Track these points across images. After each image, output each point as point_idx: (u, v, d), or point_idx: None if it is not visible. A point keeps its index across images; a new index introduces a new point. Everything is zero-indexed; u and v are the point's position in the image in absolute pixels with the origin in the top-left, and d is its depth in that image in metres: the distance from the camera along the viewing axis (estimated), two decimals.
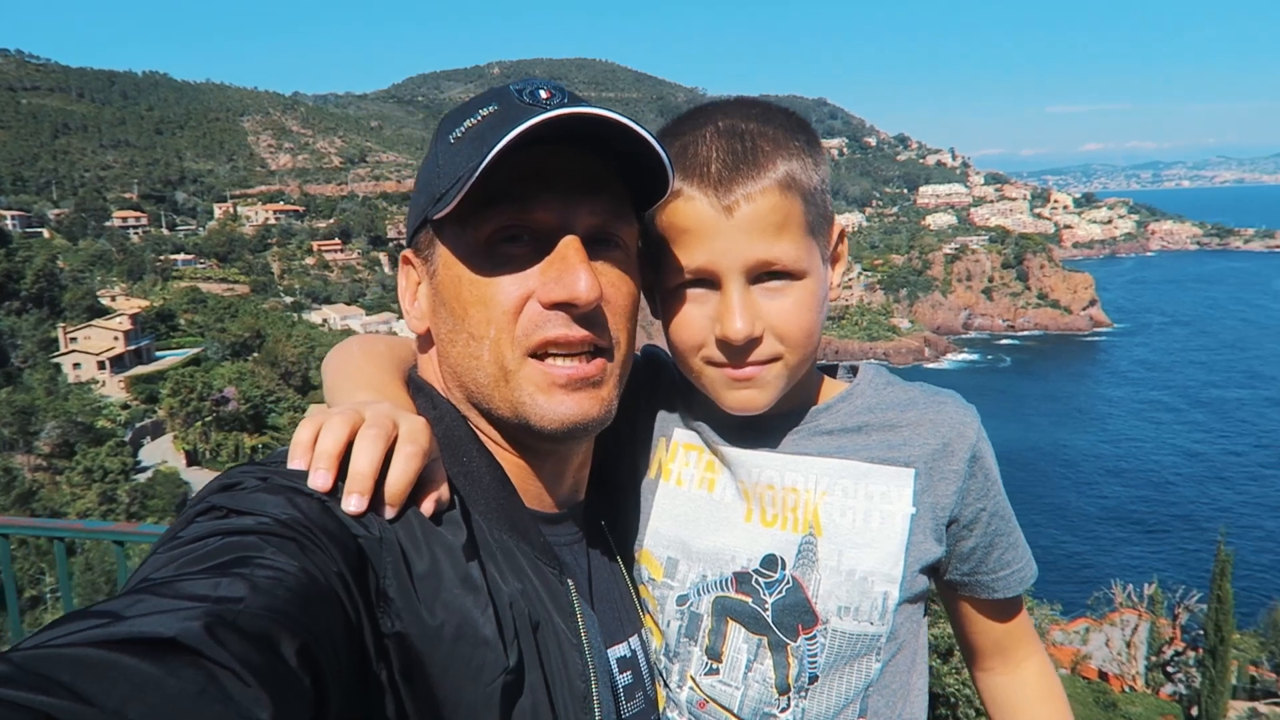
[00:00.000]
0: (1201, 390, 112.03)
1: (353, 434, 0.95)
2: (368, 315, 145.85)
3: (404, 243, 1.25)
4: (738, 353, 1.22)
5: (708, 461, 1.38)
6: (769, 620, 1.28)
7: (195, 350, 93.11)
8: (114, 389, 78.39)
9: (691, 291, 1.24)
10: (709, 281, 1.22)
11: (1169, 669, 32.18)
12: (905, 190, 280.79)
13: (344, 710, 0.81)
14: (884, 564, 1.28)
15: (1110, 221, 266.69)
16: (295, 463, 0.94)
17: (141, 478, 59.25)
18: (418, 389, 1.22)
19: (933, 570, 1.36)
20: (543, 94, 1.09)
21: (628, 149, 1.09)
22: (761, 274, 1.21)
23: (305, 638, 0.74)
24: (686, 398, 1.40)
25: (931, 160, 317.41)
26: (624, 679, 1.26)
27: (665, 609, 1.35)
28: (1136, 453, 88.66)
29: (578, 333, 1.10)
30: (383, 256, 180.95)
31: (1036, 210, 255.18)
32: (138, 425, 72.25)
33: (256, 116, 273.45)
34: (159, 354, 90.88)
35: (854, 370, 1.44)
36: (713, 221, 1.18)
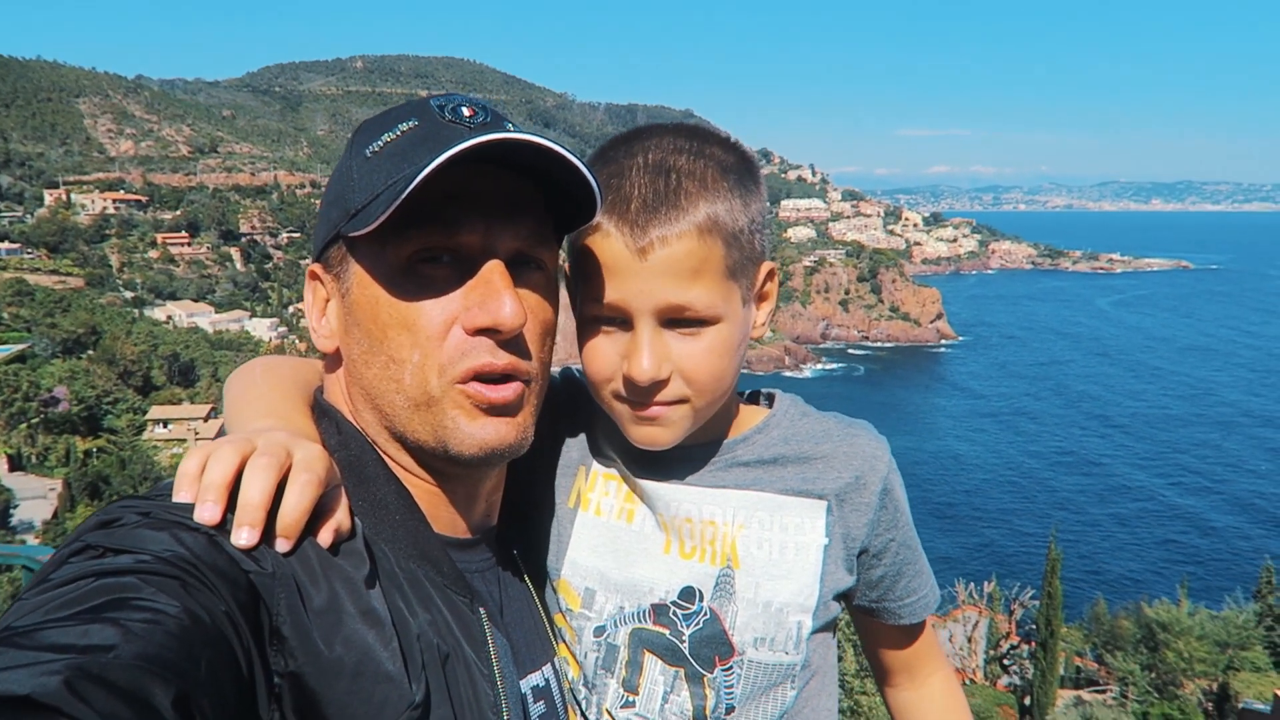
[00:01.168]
0: (1029, 398, 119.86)
1: (243, 464, 0.91)
2: (217, 313, 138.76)
3: (312, 256, 1.21)
4: (643, 392, 1.22)
5: (627, 492, 1.38)
6: (686, 652, 1.28)
7: (20, 346, 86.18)
8: None
9: (604, 326, 1.24)
10: (621, 319, 1.21)
11: (1005, 661, 34.20)
12: (768, 204, 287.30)
13: None
14: (799, 595, 1.29)
15: (956, 240, 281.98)
16: (181, 495, 0.89)
17: None
18: (323, 413, 1.18)
19: (844, 597, 1.39)
20: (465, 111, 1.07)
21: (553, 172, 1.08)
22: (673, 318, 1.19)
23: (183, 685, 0.69)
24: (605, 426, 1.38)
25: (793, 175, 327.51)
26: (537, 708, 1.24)
27: (582, 640, 1.34)
28: (977, 455, 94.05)
29: (502, 359, 1.09)
30: (234, 252, 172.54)
31: (889, 227, 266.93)
32: None
33: (95, 99, 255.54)
34: None
35: (771, 398, 1.45)
36: (626, 261, 1.17)
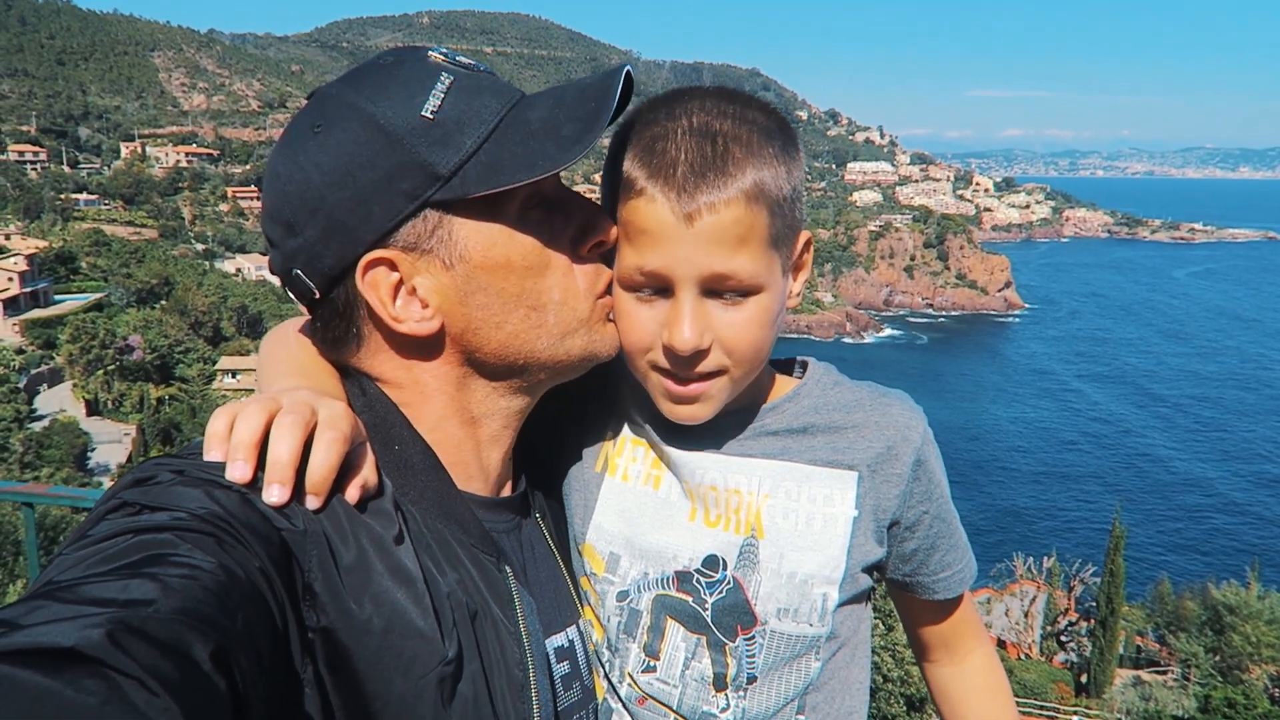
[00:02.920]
0: (1100, 371, 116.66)
1: (269, 422, 0.93)
2: None
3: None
4: (683, 363, 1.20)
5: (654, 459, 1.38)
6: (708, 620, 1.29)
7: (98, 295, 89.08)
8: (7, 332, 74.45)
9: (642, 293, 1.22)
10: (661, 286, 1.20)
11: (1062, 638, 33.56)
12: (834, 166, 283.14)
13: (270, 709, 0.79)
14: (825, 567, 1.28)
15: (1028, 206, 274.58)
16: (211, 455, 0.92)
17: (37, 426, 56.50)
18: (348, 374, 1.19)
19: (876, 569, 1.38)
20: (461, 59, 1.14)
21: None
22: (716, 287, 1.18)
23: (220, 639, 0.71)
24: (635, 392, 1.37)
25: (860, 137, 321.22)
26: (561, 669, 1.26)
27: (606, 604, 1.35)
28: (1041, 431, 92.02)
29: (607, 275, 1.23)
30: None
31: (959, 192, 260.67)
32: (33, 372, 68.80)
33: (168, 53, 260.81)
34: (58, 298, 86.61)
35: (804, 366, 1.43)
36: (672, 227, 1.15)
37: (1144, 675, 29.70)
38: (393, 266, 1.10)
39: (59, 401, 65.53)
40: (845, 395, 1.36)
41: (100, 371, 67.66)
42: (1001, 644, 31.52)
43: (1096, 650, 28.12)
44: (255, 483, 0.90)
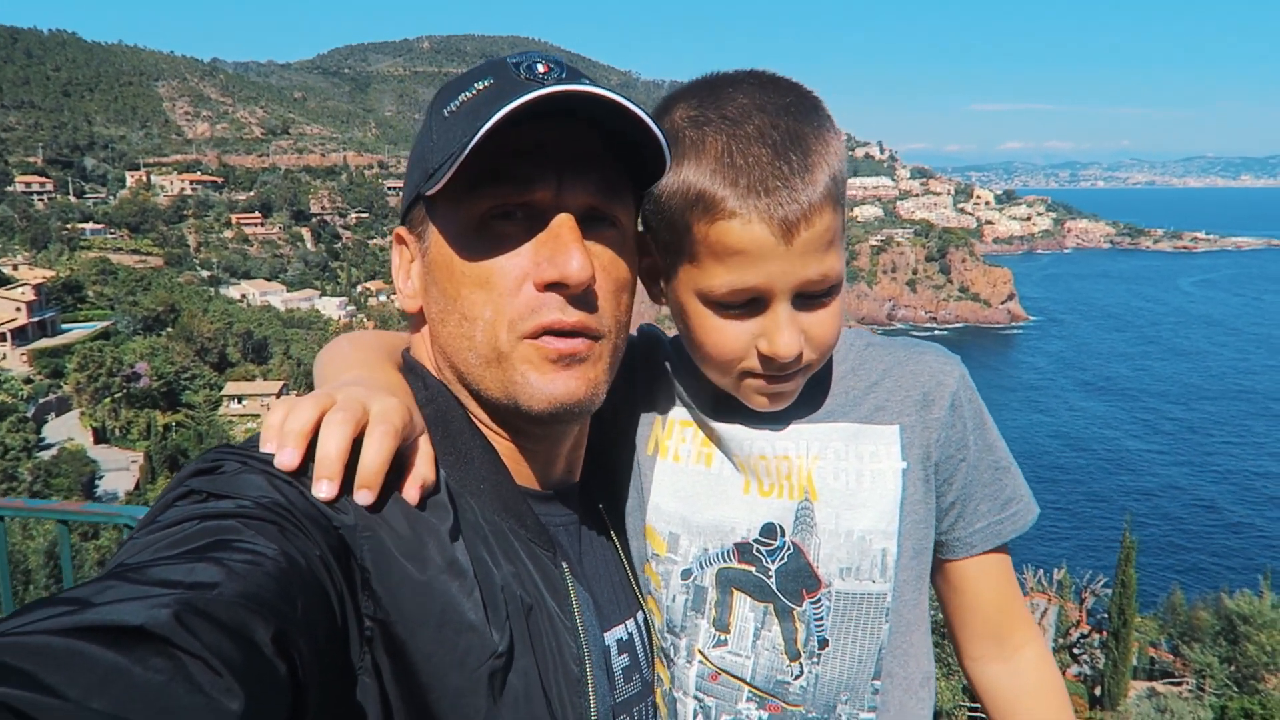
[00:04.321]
0: (1106, 382, 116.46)
1: (322, 416, 0.94)
2: (289, 291, 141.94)
3: (400, 218, 1.24)
4: (784, 367, 1.21)
5: (703, 438, 1.38)
6: (773, 587, 1.29)
7: (104, 324, 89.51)
8: (15, 362, 74.76)
9: (731, 309, 1.21)
10: (755, 299, 1.19)
11: (1075, 650, 33.37)
12: None
13: (326, 696, 0.80)
14: (880, 521, 1.28)
15: (1029, 218, 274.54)
16: (266, 446, 0.93)
17: (45, 455, 56.63)
18: (409, 369, 1.21)
19: (928, 527, 1.35)
20: (540, 68, 1.07)
21: (625, 130, 1.07)
22: (811, 292, 1.19)
23: (281, 624, 0.72)
24: (681, 375, 1.39)
25: (860, 153, 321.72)
26: (621, 661, 1.26)
27: (670, 584, 1.35)
28: (1047, 442, 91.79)
29: (572, 315, 1.09)
30: (305, 232, 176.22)
31: (960, 205, 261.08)
32: (41, 401, 69.08)
33: (173, 82, 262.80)
34: (65, 327, 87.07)
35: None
36: (771, 247, 1.13)
37: (1158, 687, 29.50)
38: (404, 242, 1.22)
39: (67, 430, 65.73)
40: (879, 353, 1.37)
41: (107, 399, 67.89)
42: None
43: (1110, 662, 27.97)
44: (306, 472, 0.91)
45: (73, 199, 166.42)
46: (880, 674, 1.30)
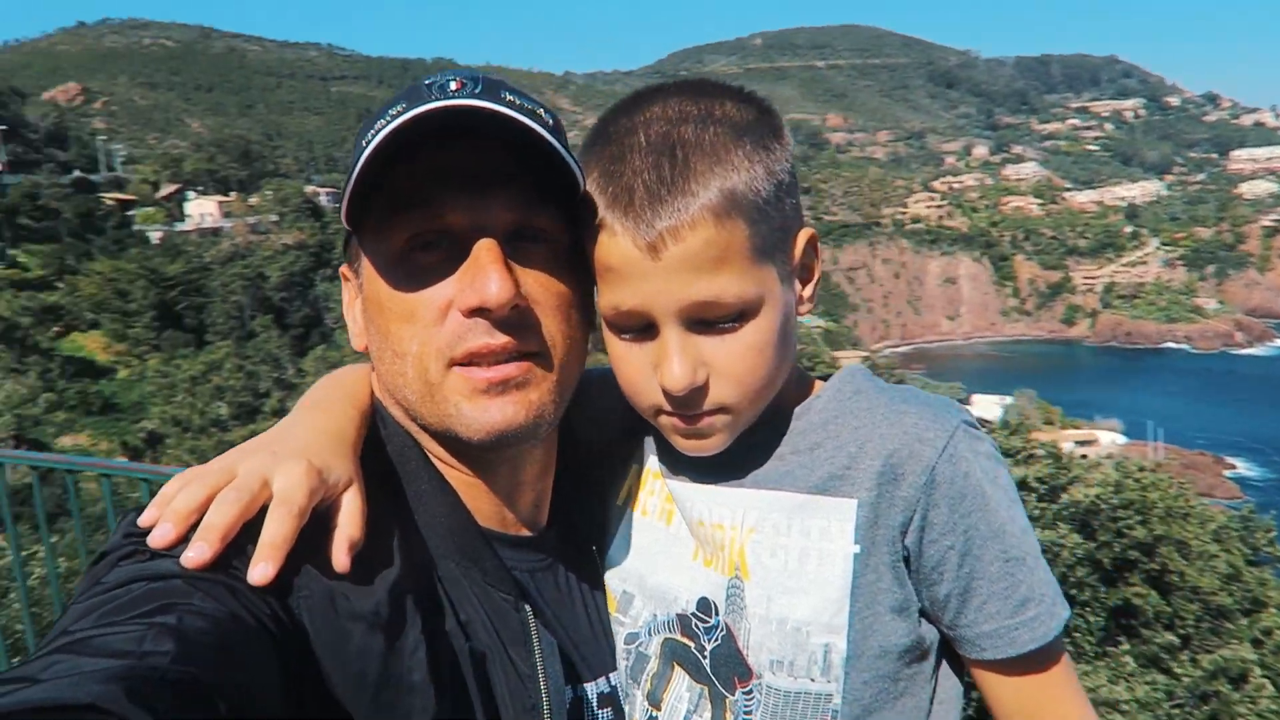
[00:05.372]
0: None
1: (212, 496, 0.90)
2: None
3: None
4: (683, 402, 1.08)
5: (667, 493, 1.26)
6: (708, 669, 1.16)
7: None
8: None
9: (627, 333, 1.12)
10: (643, 325, 1.09)
11: None
12: (1214, 155, 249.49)
13: None
14: (822, 612, 1.09)
15: None
16: (146, 515, 0.89)
17: None
18: (375, 409, 1.17)
19: (924, 616, 1.14)
20: (452, 85, 1.02)
21: (535, 141, 1.01)
22: (701, 316, 1.06)
23: (236, 690, 0.70)
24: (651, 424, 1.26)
25: (1248, 120, 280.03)
26: (604, 714, 1.20)
27: (619, 642, 1.25)
28: None
29: (499, 339, 1.03)
30: None
31: None
32: None
33: (535, 97, 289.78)
34: None
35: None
36: (637, 261, 1.04)
37: None
38: (347, 279, 1.17)
39: None
40: (860, 404, 1.15)
41: None
42: None
43: None
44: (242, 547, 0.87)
45: None
46: None
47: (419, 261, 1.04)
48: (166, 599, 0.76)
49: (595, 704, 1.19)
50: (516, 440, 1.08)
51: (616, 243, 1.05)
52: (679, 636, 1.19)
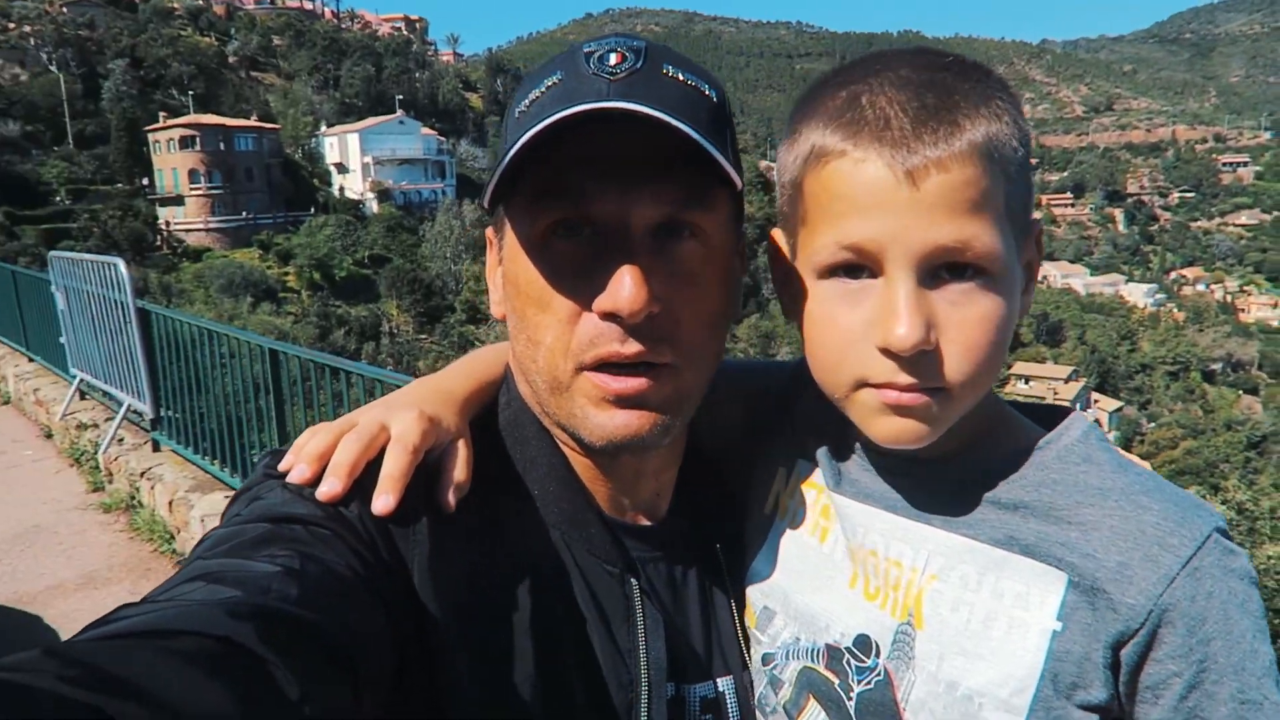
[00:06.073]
0: None
1: (337, 441, 0.96)
2: (1091, 275, 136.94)
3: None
4: (904, 368, 0.93)
5: (824, 506, 1.16)
6: (851, 711, 1.07)
7: None
8: None
9: (840, 284, 0.96)
10: (867, 269, 0.94)
11: None
12: None
13: (384, 707, 0.81)
14: (1001, 686, 0.96)
15: None
16: (284, 462, 0.94)
17: None
18: (505, 380, 1.19)
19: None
20: (612, 59, 0.94)
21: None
22: (941, 268, 0.91)
23: (355, 640, 0.74)
24: (821, 427, 1.16)
25: None
26: (705, 719, 1.15)
27: (753, 661, 1.19)
28: None
29: (631, 348, 0.98)
30: (1117, 213, 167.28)
31: None
32: None
33: (1000, 67, 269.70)
34: None
35: (1053, 418, 1.07)
36: (888, 189, 0.90)
37: None
38: (491, 245, 1.15)
39: None
40: (1090, 477, 0.98)
41: None
42: None
43: None
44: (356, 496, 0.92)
45: None
46: None
47: (559, 249, 0.99)
48: (292, 543, 0.80)
49: (698, 708, 1.13)
50: (639, 449, 1.06)
51: (861, 170, 0.91)
52: (821, 668, 1.10)
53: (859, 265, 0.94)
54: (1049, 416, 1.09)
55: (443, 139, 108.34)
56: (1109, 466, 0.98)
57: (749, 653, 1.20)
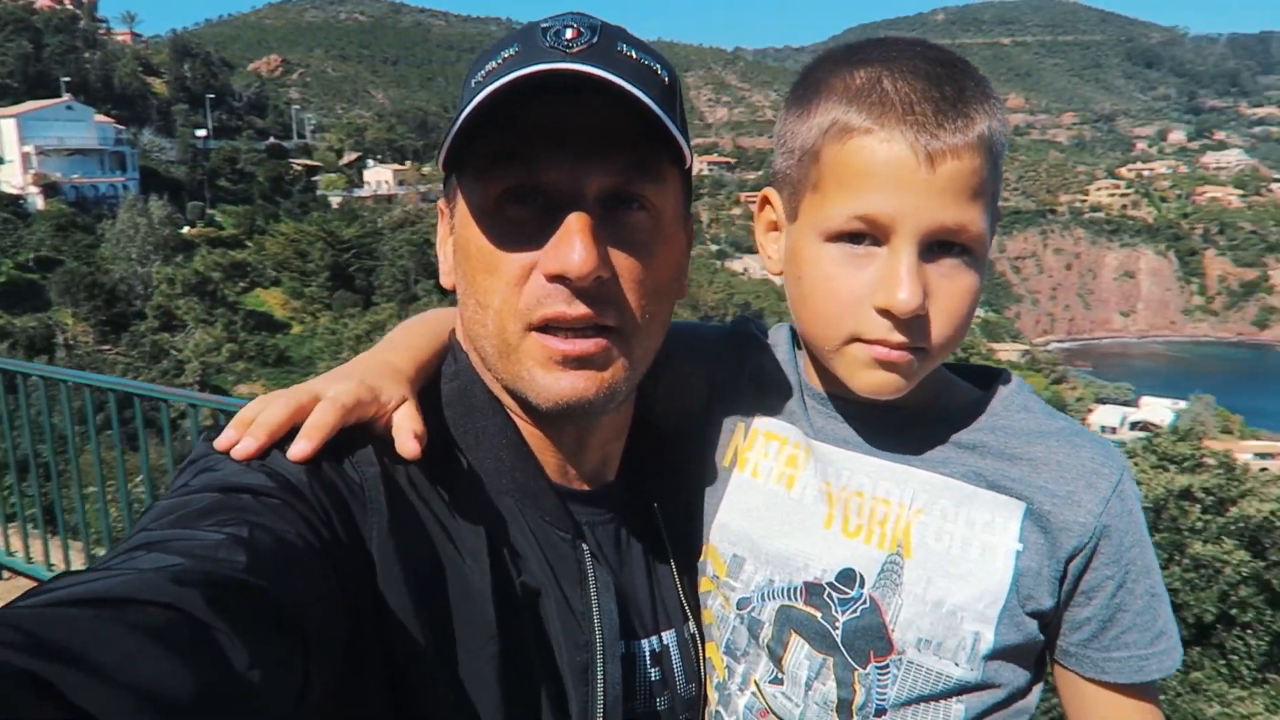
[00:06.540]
0: None
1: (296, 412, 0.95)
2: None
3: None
4: (897, 329, 1.05)
5: (789, 455, 1.25)
6: (837, 640, 1.15)
7: None
8: None
9: (844, 248, 1.06)
10: (870, 237, 1.05)
11: None
12: None
13: (336, 676, 0.80)
14: (979, 600, 1.11)
15: None
16: (225, 435, 0.92)
17: None
18: (450, 347, 1.19)
19: (1042, 627, 1.16)
20: (568, 34, 0.97)
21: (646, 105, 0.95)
22: (936, 244, 1.04)
23: (303, 607, 0.73)
24: (778, 381, 1.27)
25: None
26: (651, 673, 1.19)
27: (728, 609, 1.25)
28: None
29: (577, 309, 1.00)
30: None
31: None
32: None
33: (699, 72, 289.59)
34: None
35: (981, 375, 1.26)
36: (909, 169, 1.00)
37: None
38: (443, 215, 1.15)
39: None
40: (1030, 423, 1.16)
41: None
42: None
43: None
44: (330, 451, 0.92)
45: None
46: None
47: (510, 215, 1.02)
48: (241, 512, 0.78)
49: (647, 660, 1.18)
50: (586, 413, 1.07)
51: (887, 148, 1.01)
52: (800, 604, 1.18)
53: (864, 234, 1.04)
54: (968, 372, 1.27)
55: (121, 127, 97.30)
56: (1042, 413, 1.18)
57: (713, 602, 1.26)
